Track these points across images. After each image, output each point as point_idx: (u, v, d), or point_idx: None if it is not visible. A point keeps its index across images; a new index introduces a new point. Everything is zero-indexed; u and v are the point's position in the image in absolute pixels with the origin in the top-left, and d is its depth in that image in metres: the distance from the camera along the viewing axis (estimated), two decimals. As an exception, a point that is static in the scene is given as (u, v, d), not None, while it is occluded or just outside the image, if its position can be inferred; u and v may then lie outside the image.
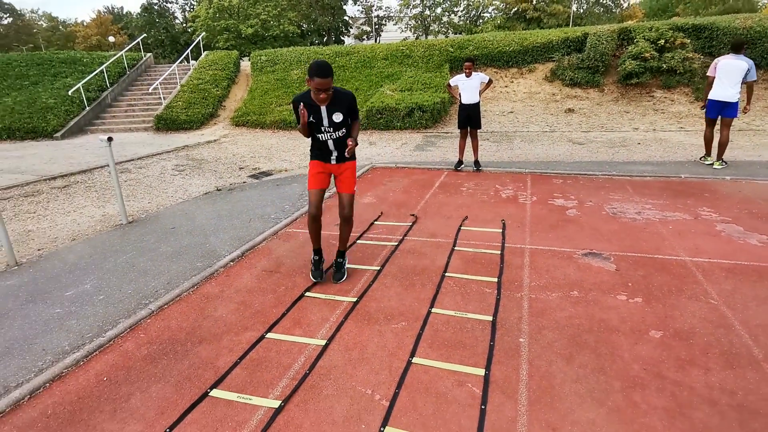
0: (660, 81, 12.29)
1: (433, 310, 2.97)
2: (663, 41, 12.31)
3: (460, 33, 45.97)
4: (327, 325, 2.84)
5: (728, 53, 6.28)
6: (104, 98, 13.62)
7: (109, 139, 4.82)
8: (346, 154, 3.18)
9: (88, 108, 12.82)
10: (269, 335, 2.76)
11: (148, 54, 16.84)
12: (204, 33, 18.79)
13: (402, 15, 50.78)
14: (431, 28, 49.39)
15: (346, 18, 49.29)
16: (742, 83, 6.09)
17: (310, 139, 3.27)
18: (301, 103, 3.03)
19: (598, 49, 12.76)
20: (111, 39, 44.13)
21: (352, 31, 52.22)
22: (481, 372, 2.34)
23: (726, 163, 6.41)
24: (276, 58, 15.91)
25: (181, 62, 15.74)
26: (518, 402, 2.13)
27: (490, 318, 2.84)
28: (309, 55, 15.81)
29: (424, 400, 2.17)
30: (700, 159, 6.80)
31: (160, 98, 13.58)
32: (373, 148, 9.42)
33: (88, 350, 2.60)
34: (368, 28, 53.11)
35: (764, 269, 3.30)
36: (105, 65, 14.11)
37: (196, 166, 8.48)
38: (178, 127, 12.43)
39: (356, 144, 3.12)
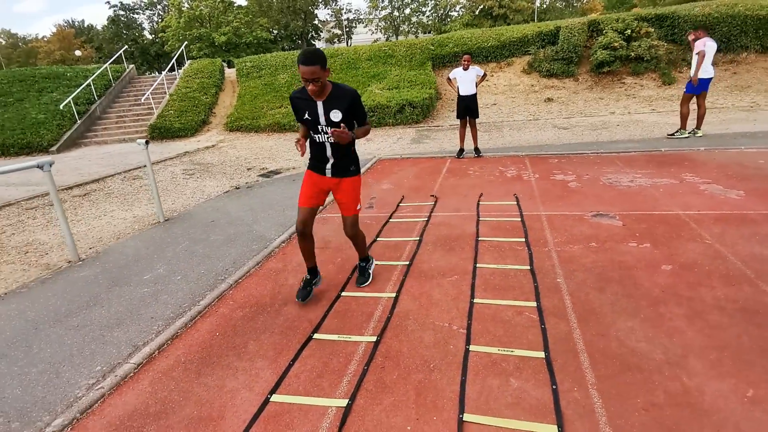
0: (629, 68, 13.16)
1: (478, 265, 3.46)
2: (629, 31, 13.18)
3: (429, 32, 46.88)
4: (390, 283, 3.29)
5: (699, 36, 7.03)
6: (93, 111, 13.64)
7: (147, 142, 5.15)
8: (330, 132, 2.65)
9: (79, 121, 12.84)
10: (344, 294, 3.19)
11: (131, 66, 16.85)
12: (184, 42, 18.76)
13: (371, 17, 51.43)
14: (401, 28, 50.18)
15: (316, 22, 49.56)
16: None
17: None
18: (295, 105, 2.76)
19: (570, 41, 13.56)
20: (77, 53, 43.22)
21: (322, 34, 52.51)
22: (534, 304, 2.84)
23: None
24: (261, 64, 16.18)
25: (168, 72, 15.82)
26: (570, 321, 2.64)
27: (528, 267, 3.34)
28: (293, 59, 16.14)
29: (494, 326, 2.65)
30: (675, 134, 7.52)
31: (151, 108, 13.68)
32: (372, 144, 9.88)
33: (191, 315, 2.98)
34: (339, 31, 53.51)
35: (745, 216, 3.93)
36: (91, 78, 14.11)
37: (204, 170, 8.76)
38: (173, 135, 12.60)
39: (349, 134, 2.62)
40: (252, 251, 4.08)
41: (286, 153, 9.85)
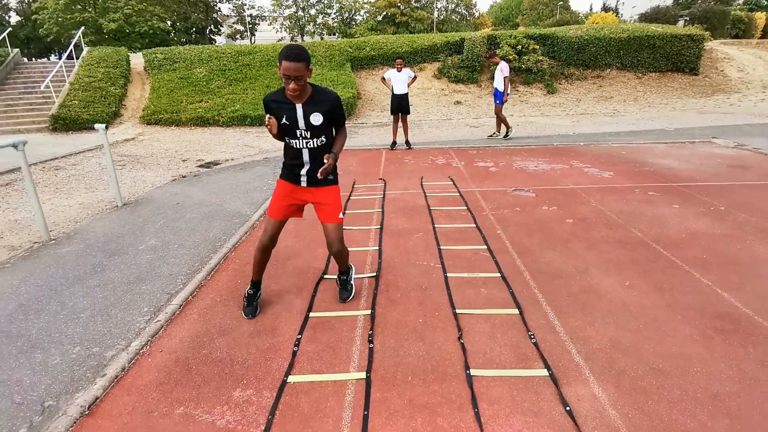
0: (522, 78, 15.31)
1: (436, 225, 4.36)
2: (520, 46, 15.34)
3: (335, 34, 47.75)
4: (371, 241, 4.05)
5: (497, 61, 8.84)
6: (-26, 98, 12.13)
7: (106, 127, 5.23)
8: (318, 175, 2.49)
9: (-42, 109, 11.36)
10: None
11: (15, 50, 15.10)
12: (81, 28, 16.94)
13: (276, 15, 50.78)
14: (306, 29, 50.31)
15: (216, 16, 47.44)
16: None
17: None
18: (270, 110, 2.47)
19: (473, 51, 15.36)
20: None
21: (223, 30, 50.47)
22: (485, 247, 3.81)
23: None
24: (174, 57, 15.61)
25: (67, 59, 14.49)
26: (512, 255, 3.65)
27: (474, 225, 4.33)
28: (210, 53, 15.84)
29: (460, 262, 3.55)
30: (493, 135, 9.23)
31: (49, 97, 12.55)
32: (304, 138, 10.38)
33: (207, 270, 3.44)
34: (241, 27, 51.89)
35: (614, 187, 5.38)
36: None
37: (134, 161, 8.57)
38: (80, 127, 11.77)
39: (334, 162, 2.51)
40: (235, 224, 4.53)
41: (218, 146, 9.94)
